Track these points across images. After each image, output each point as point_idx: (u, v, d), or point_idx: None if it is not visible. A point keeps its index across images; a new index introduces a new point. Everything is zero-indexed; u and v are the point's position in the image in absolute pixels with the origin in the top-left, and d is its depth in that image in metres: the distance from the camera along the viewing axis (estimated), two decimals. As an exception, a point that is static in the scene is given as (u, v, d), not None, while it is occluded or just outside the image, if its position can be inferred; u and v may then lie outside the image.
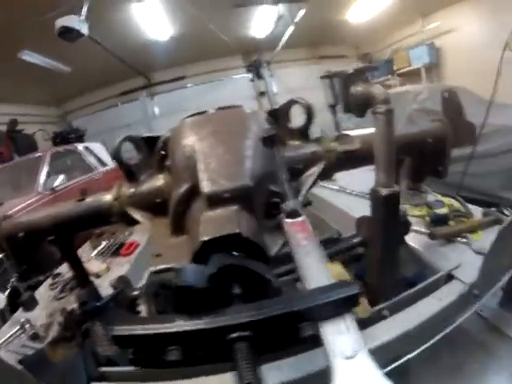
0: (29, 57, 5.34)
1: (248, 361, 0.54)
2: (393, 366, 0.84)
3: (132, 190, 1.06)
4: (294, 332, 0.60)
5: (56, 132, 7.52)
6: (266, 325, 0.60)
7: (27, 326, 1.68)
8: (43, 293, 2.07)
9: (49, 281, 2.18)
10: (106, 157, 4.81)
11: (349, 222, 1.61)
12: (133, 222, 1.07)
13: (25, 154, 5.02)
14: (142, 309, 1.51)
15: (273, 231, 0.91)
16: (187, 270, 0.65)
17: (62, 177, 3.82)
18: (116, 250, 2.38)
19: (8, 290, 2.41)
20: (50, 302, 1.95)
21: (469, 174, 3.01)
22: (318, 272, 0.68)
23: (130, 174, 1.06)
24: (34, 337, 1.63)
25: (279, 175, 0.95)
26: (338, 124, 1.31)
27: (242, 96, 7.71)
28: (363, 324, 0.66)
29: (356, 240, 1.29)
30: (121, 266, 2.15)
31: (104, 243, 2.51)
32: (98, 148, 5.24)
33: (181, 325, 0.61)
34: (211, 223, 0.77)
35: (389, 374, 0.47)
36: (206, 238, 0.71)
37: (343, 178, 2.70)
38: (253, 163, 0.88)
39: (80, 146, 4.84)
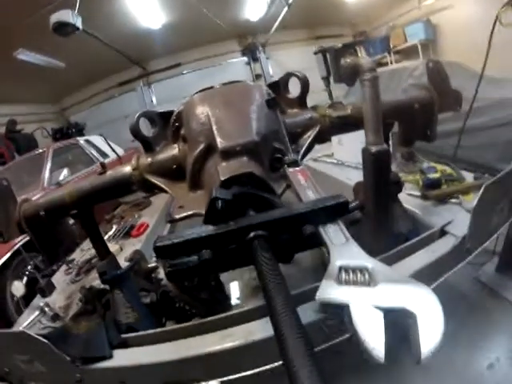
0: (24, 56, 5.35)
1: (266, 255, 0.66)
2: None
3: (150, 159, 1.19)
4: (300, 233, 0.74)
5: (55, 128, 7.54)
6: (277, 225, 0.73)
7: (47, 309, 1.77)
8: (59, 278, 2.19)
9: (63, 267, 2.30)
10: (107, 149, 4.88)
11: (346, 190, 1.73)
12: (152, 189, 1.21)
13: (25, 153, 5.07)
14: (160, 276, 1.63)
15: (277, 179, 1.06)
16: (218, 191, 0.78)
17: (65, 171, 3.88)
18: (127, 233, 2.49)
19: (25, 278, 2.51)
20: (66, 286, 2.06)
21: (464, 146, 3.11)
22: (316, 196, 0.83)
23: (147, 145, 1.20)
24: (55, 318, 1.72)
25: (281, 134, 1.11)
26: (330, 93, 1.45)
27: (239, 78, 7.64)
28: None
29: (353, 205, 1.39)
30: (133, 246, 2.25)
31: (115, 227, 2.63)
32: (98, 141, 5.30)
33: (210, 230, 0.74)
34: (227, 168, 0.91)
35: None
36: (224, 178, 0.85)
37: (340, 152, 2.82)
38: (258, 123, 1.03)
39: (81, 140, 4.90)
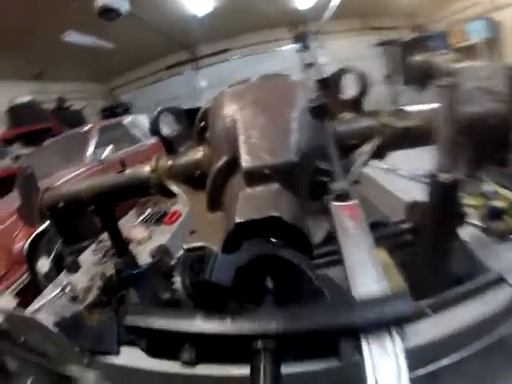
0: (72, 38, 5.45)
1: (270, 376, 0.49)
2: (425, 370, 0.78)
3: (170, 162, 1.03)
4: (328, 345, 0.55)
5: (103, 107, 7.83)
6: (297, 337, 0.54)
7: (68, 288, 1.75)
8: (86, 257, 2.15)
9: (93, 246, 2.25)
10: (167, 125, 4.89)
11: (397, 205, 1.49)
12: (171, 194, 1.05)
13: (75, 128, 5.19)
14: (177, 280, 1.54)
15: (317, 214, 0.83)
16: (216, 263, 0.64)
17: (109, 149, 3.92)
18: (159, 219, 2.40)
19: (52, 255, 2.59)
20: (92, 267, 2.00)
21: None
22: (368, 272, 0.59)
23: (168, 146, 1.03)
24: (74, 299, 1.69)
25: (328, 151, 0.85)
26: (395, 97, 1.18)
27: (289, 68, 7.44)
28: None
29: (405, 226, 1.19)
30: (162, 235, 2.16)
31: (148, 211, 2.55)
32: (143, 121, 5.32)
33: (200, 325, 0.57)
34: (248, 203, 0.71)
35: (419, 379, 0.47)
36: (240, 220, 0.66)
37: (393, 157, 2.51)
38: (299, 136, 0.79)
39: (126, 120, 4.92)
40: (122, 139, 4.50)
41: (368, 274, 0.58)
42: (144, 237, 2.15)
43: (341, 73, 1.06)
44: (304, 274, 0.60)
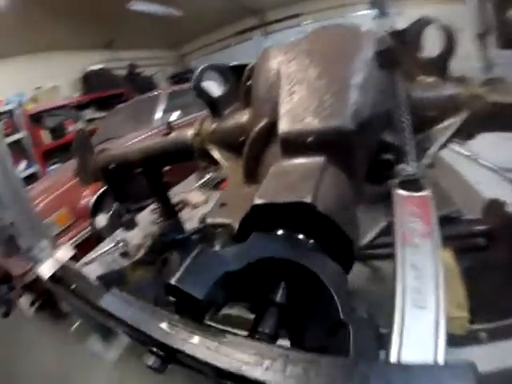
0: (138, 6, 5.50)
1: None
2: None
3: (214, 125, 0.92)
4: None
5: (173, 73, 8.01)
6: None
7: (121, 244, 1.90)
8: (144, 216, 2.25)
9: (152, 206, 2.33)
10: (211, 85, 4.89)
11: (474, 200, 1.27)
12: (214, 161, 0.94)
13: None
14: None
15: (375, 204, 0.65)
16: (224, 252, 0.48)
17: (177, 113, 3.98)
18: (217, 184, 2.43)
19: (111, 212, 2.75)
20: (147, 226, 2.07)
21: None
22: (423, 317, 0.39)
23: (213, 108, 0.92)
24: (125, 254, 1.82)
25: (398, 120, 0.62)
26: (488, 63, 0.91)
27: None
28: (452, 341, 0.41)
29: (479, 227, 1.00)
30: None
31: (208, 176, 2.57)
32: (213, 87, 5.32)
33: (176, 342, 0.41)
34: (277, 180, 0.56)
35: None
36: (258, 202, 0.51)
37: (476, 143, 2.15)
38: (359, 95, 0.60)
39: None
40: (191, 104, 4.53)
41: (422, 321, 0.39)
42: (200, 201, 2.19)
43: (421, 24, 0.80)
44: (329, 295, 0.41)
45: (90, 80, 6.46)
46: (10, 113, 5.13)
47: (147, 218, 2.21)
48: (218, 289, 0.42)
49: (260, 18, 7.95)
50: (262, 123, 0.69)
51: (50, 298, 3.11)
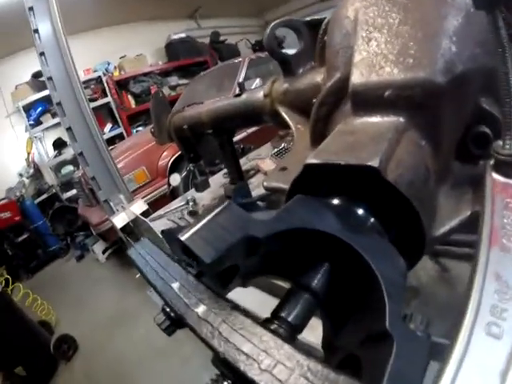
0: None
1: None
2: None
3: (286, 85, 0.86)
4: None
5: (256, 41, 7.93)
6: None
7: (191, 203, 2.00)
8: (216, 179, 2.34)
9: (225, 170, 2.42)
10: (285, 42, 4.77)
11: None
12: (285, 124, 0.87)
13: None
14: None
15: (462, 186, 0.51)
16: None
17: (257, 80, 3.97)
18: None
19: (184, 173, 2.89)
20: (218, 188, 2.15)
21: None
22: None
23: (286, 66, 0.85)
24: (193, 213, 1.91)
25: (500, 82, 0.43)
26: None
27: None
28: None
29: None
30: None
31: (283, 145, 2.55)
32: (277, 33, 5.17)
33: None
34: (342, 139, 0.47)
35: None
36: (311, 161, 0.43)
37: None
38: (452, 44, 0.47)
39: None
40: (274, 72, 4.48)
41: (493, 354, 0.28)
42: (272, 169, 2.17)
43: None
44: (379, 296, 0.31)
45: (173, 48, 6.66)
46: (98, 79, 5.56)
47: (219, 181, 2.29)
48: (237, 255, 0.36)
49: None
50: (334, 78, 0.60)
51: (121, 246, 3.44)
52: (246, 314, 0.32)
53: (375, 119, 0.47)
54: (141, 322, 2.50)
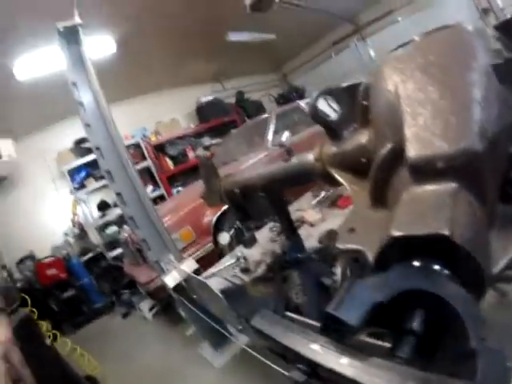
0: (234, 37, 5.83)
1: None
2: None
3: (334, 148, 0.93)
4: None
5: (278, 94, 8.33)
6: None
7: (242, 260, 2.04)
8: (263, 234, 2.38)
9: (271, 224, 2.48)
10: (327, 109, 4.91)
11: None
12: (336, 183, 0.95)
13: (254, 118, 5.72)
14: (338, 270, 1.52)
15: (507, 227, 0.60)
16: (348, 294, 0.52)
17: (287, 132, 4.12)
18: (334, 201, 2.43)
19: (232, 230, 2.97)
20: (266, 243, 2.21)
21: None
22: None
23: (331, 131, 0.94)
24: (245, 270, 1.95)
25: None
26: None
27: (461, 17, 6.01)
28: None
29: None
30: (334, 218, 2.18)
31: (323, 193, 2.60)
32: (324, 101, 5.33)
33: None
34: (412, 210, 0.56)
35: None
36: (397, 234, 0.53)
37: None
38: (483, 111, 0.56)
39: (302, 103, 5.06)
40: (301, 122, 4.64)
41: None
42: (317, 219, 2.23)
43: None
44: (462, 325, 0.43)
45: (203, 110, 7.15)
46: (136, 145, 6.00)
47: (266, 236, 2.35)
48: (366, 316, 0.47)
49: (354, 24, 7.76)
50: (388, 147, 0.68)
51: (169, 305, 3.48)
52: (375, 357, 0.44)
53: (433, 187, 0.56)
54: (188, 378, 2.48)
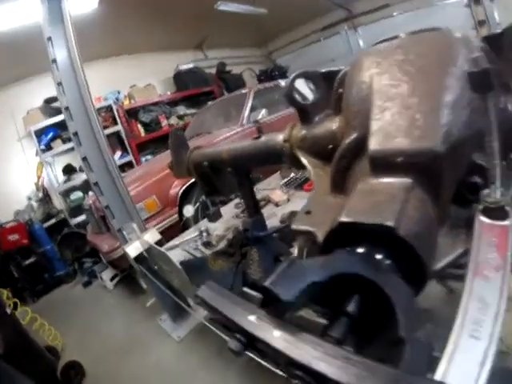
0: (224, 7, 5.65)
1: None
2: None
3: (303, 132, 0.94)
4: None
5: (261, 70, 8.19)
6: None
7: (205, 234, 2.08)
8: (228, 210, 2.42)
9: (236, 200, 2.51)
10: (308, 92, 4.89)
11: None
12: (302, 166, 0.96)
13: (233, 92, 5.60)
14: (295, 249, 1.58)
15: (458, 227, 0.62)
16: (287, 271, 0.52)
17: (264, 111, 4.07)
18: (301, 184, 2.48)
19: (198, 204, 2.96)
20: (230, 219, 2.25)
21: None
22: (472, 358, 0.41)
23: (303, 114, 0.95)
24: (207, 244, 1.99)
25: (488, 140, 0.58)
26: None
27: (456, 25, 6.10)
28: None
29: None
30: (300, 200, 2.22)
31: (292, 175, 2.64)
32: (300, 84, 5.31)
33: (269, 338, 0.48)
34: (363, 199, 0.58)
35: None
36: (344, 220, 0.55)
37: None
38: (451, 115, 0.58)
39: (283, 82, 5.00)
40: (279, 101, 4.60)
41: (474, 351, 0.41)
42: (282, 200, 2.27)
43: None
44: (394, 314, 0.45)
45: (181, 78, 6.89)
46: (108, 108, 5.72)
47: (231, 212, 2.38)
48: (301, 294, 0.48)
49: (348, 11, 7.68)
50: (353, 137, 0.70)
51: (130, 275, 3.47)
52: (308, 334, 0.45)
53: (389, 180, 0.59)
54: (152, 349, 2.50)
